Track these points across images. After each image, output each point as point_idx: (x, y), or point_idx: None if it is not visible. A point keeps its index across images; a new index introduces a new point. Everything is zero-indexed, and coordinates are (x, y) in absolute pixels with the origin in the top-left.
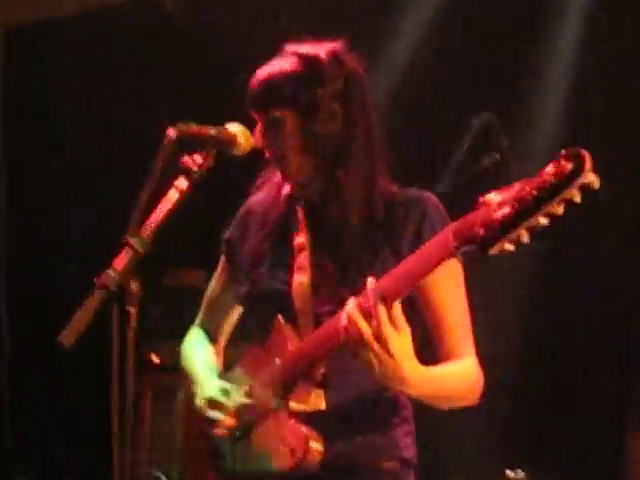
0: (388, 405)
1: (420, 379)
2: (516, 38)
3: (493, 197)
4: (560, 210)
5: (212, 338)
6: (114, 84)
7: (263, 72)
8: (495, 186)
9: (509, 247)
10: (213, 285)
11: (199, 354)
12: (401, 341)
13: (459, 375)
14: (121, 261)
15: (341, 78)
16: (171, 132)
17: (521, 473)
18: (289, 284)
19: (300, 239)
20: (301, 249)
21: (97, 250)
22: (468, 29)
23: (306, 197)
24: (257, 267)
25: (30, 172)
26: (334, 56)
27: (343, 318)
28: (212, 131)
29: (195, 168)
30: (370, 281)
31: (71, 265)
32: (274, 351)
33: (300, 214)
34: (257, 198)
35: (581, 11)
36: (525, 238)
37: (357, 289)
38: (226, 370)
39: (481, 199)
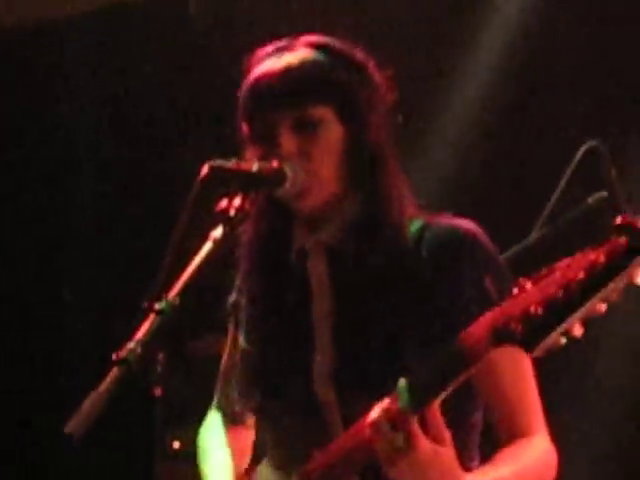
0: None
1: None
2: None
3: (533, 283)
4: (618, 295)
5: (235, 420)
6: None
7: (276, 63)
8: (603, 230)
9: (560, 341)
10: (226, 360)
11: (214, 458)
12: (439, 454)
13: (526, 470)
14: (144, 330)
15: (381, 83)
16: (204, 170)
17: None
18: (310, 370)
19: (321, 307)
20: (323, 321)
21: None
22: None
23: (327, 240)
24: (267, 352)
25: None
26: (371, 60)
27: (368, 428)
28: (254, 167)
29: (233, 213)
30: (401, 382)
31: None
32: (298, 455)
33: (319, 270)
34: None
35: None
36: (578, 331)
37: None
38: (256, 462)
39: (521, 283)
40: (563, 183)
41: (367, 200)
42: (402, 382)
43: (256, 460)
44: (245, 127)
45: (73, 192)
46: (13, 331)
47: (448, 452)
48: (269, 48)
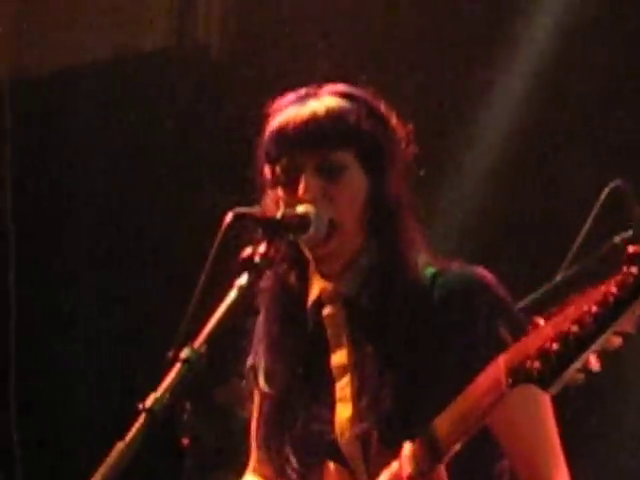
0: None
1: None
2: None
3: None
4: (633, 327)
5: None
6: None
7: (302, 109)
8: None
9: (578, 377)
10: (255, 422)
11: None
12: None
13: None
14: (170, 379)
15: (402, 136)
16: (228, 217)
17: None
18: (332, 422)
19: (339, 358)
20: (341, 372)
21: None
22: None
23: (345, 290)
24: (288, 404)
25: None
26: (394, 113)
27: None
28: (279, 214)
29: (258, 260)
30: (406, 447)
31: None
32: None
33: (336, 321)
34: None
35: None
36: (595, 365)
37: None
38: None
39: (535, 322)
40: (589, 223)
41: (384, 250)
42: (407, 448)
43: None
44: (268, 170)
45: (83, 237)
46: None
47: None
48: (293, 95)
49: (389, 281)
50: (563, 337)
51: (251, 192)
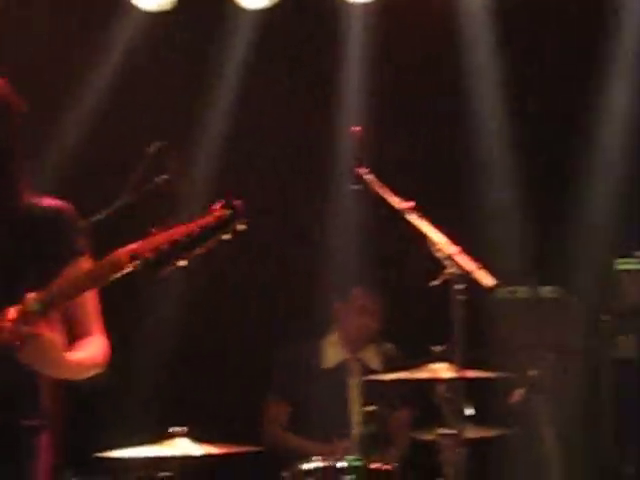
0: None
1: (60, 367)
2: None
3: (160, 231)
4: (214, 244)
5: None
6: None
7: None
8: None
9: (169, 270)
10: None
11: None
12: (47, 341)
13: (90, 355)
14: None
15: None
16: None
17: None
18: None
19: None
20: None
21: None
22: None
23: None
24: None
25: None
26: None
27: (8, 322)
28: None
29: None
30: (29, 295)
31: None
32: None
33: None
34: None
35: None
36: (183, 264)
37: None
38: None
39: (153, 231)
40: (141, 166)
41: (6, 187)
42: (32, 295)
43: None
44: None
45: None
46: None
47: (60, 339)
48: None
49: (8, 203)
50: (174, 242)
51: None
